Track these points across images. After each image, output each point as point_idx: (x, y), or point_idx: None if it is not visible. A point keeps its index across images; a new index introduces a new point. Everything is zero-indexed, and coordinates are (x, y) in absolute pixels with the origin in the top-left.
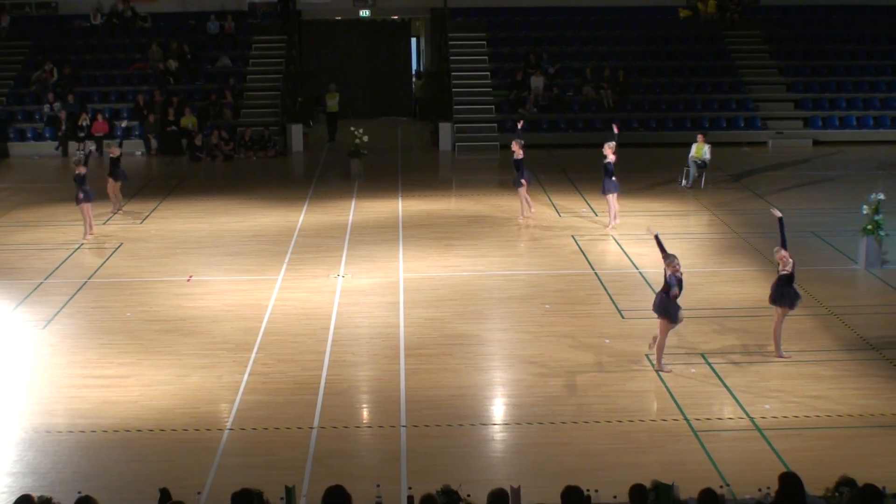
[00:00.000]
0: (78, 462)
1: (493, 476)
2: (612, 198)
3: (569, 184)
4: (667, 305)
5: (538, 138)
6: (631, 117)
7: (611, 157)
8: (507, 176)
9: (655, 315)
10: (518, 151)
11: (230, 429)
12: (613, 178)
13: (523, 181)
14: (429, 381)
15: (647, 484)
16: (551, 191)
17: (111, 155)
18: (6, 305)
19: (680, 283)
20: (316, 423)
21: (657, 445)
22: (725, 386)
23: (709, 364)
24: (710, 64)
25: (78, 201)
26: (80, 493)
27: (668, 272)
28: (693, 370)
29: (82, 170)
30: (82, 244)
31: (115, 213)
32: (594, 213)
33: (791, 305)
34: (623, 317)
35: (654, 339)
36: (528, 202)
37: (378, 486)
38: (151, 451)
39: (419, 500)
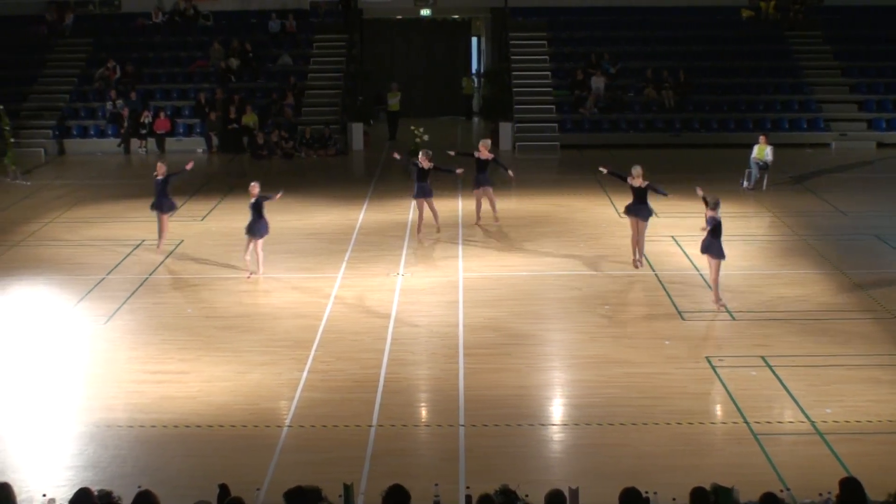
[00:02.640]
0: (137, 456)
1: (551, 477)
2: (489, 191)
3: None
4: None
5: (599, 139)
6: (692, 118)
7: (486, 155)
8: (566, 176)
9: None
10: (639, 180)
11: (289, 426)
12: (486, 174)
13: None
14: (487, 380)
15: (707, 487)
16: (611, 191)
17: (157, 176)
18: (69, 300)
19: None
20: (374, 422)
21: (717, 448)
22: (786, 389)
23: (769, 367)
24: (772, 64)
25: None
26: (139, 487)
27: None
28: (754, 373)
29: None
30: (143, 241)
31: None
32: (655, 214)
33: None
34: (683, 318)
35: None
36: None
37: (436, 485)
38: (210, 447)
39: (477, 499)
